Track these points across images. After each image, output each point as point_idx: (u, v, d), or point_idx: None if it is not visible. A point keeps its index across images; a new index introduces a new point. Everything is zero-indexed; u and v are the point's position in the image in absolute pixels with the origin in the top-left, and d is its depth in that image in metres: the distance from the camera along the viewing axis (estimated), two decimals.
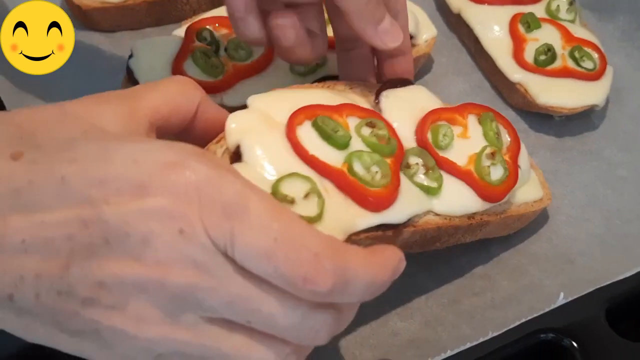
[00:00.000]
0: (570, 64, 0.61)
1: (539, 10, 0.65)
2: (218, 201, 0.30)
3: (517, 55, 0.61)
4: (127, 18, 0.65)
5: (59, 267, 0.30)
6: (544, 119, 0.61)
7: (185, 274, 0.30)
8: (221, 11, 0.61)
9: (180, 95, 0.40)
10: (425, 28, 0.63)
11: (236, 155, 0.41)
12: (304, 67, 0.58)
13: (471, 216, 0.46)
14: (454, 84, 0.64)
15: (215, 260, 0.30)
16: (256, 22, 0.45)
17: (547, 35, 0.62)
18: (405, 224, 0.43)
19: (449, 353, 0.45)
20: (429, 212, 0.45)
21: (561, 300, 0.47)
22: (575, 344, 0.45)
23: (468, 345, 0.45)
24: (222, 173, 0.31)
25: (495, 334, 0.45)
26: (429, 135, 0.46)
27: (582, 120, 0.61)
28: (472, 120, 0.49)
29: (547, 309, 0.47)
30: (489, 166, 0.46)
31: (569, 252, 0.53)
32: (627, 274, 0.49)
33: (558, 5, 0.65)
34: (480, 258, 0.53)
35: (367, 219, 0.41)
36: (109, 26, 0.65)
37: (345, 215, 0.40)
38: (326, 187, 0.40)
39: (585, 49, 0.61)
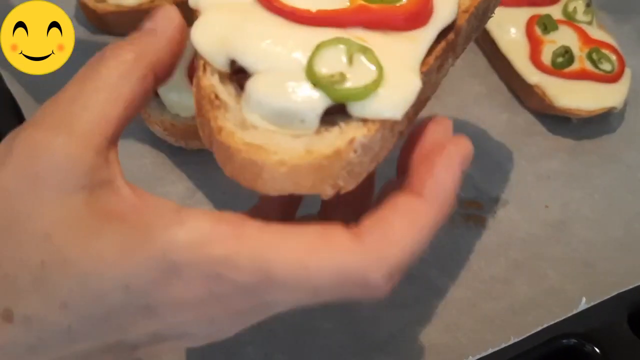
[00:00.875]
0: (588, 65, 0.60)
1: (555, 12, 0.64)
2: (234, 288, 0.28)
3: (534, 57, 0.61)
4: (141, 21, 0.65)
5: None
6: (561, 122, 0.61)
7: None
8: None
9: (124, 80, 0.32)
10: None
11: (236, 71, 0.32)
12: None
13: None
14: (470, 86, 0.64)
15: None
16: None
17: (564, 37, 0.62)
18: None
19: (470, 359, 0.45)
20: None
21: (583, 305, 0.46)
22: (597, 350, 0.45)
23: (490, 350, 0.45)
24: (226, 253, 0.27)
25: (517, 339, 0.45)
26: None
27: (600, 122, 0.61)
28: None
29: (568, 314, 0.46)
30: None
31: (589, 256, 0.53)
32: None
33: (575, 7, 0.64)
34: (499, 262, 0.52)
35: (423, 37, 0.33)
36: (124, 30, 0.65)
37: (400, 52, 0.32)
38: (357, 36, 0.32)
39: (603, 50, 0.61)
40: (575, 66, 0.60)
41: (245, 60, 0.31)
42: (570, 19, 0.64)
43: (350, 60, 0.30)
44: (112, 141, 0.31)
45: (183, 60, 0.57)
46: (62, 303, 0.28)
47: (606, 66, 0.60)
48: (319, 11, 0.32)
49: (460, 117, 0.61)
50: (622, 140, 0.61)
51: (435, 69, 0.34)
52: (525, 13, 0.64)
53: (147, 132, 0.57)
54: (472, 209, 0.55)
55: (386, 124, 0.30)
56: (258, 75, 0.30)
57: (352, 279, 0.28)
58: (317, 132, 0.30)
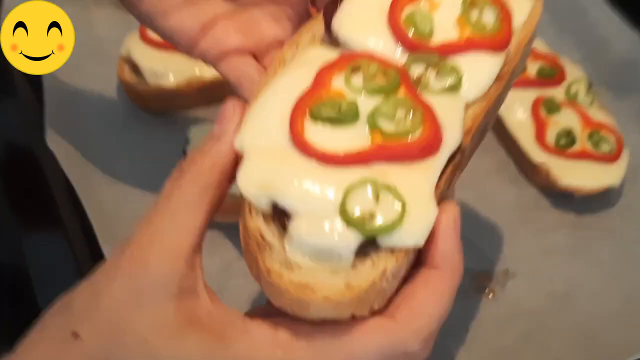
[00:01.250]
0: (589, 147, 0.66)
1: (559, 93, 0.70)
2: None
3: (539, 138, 0.67)
4: (179, 100, 0.71)
5: None
6: (564, 198, 0.66)
7: None
8: None
9: (203, 191, 0.36)
10: None
11: (278, 212, 0.35)
12: None
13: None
14: (480, 162, 0.69)
15: None
16: None
17: (567, 118, 0.68)
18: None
19: None
20: (467, 106, 0.39)
21: None
22: None
23: None
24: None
25: None
26: (410, 33, 0.40)
27: (601, 199, 0.66)
28: None
29: None
30: (479, 16, 0.41)
31: (590, 328, 0.57)
32: None
33: (577, 90, 0.70)
34: (508, 333, 0.57)
35: (435, 165, 0.36)
36: (163, 108, 0.72)
37: (417, 181, 0.35)
38: (380, 172, 0.35)
39: (602, 133, 0.66)
40: (577, 147, 0.66)
41: (285, 202, 0.34)
42: (572, 101, 0.69)
43: (376, 197, 0.34)
44: (198, 249, 0.36)
45: None
46: None
47: (605, 147, 0.66)
48: (346, 154, 0.35)
49: (471, 191, 0.66)
50: (621, 216, 0.66)
51: (445, 189, 0.38)
52: (531, 94, 0.70)
53: None
54: (483, 281, 0.60)
55: (410, 250, 0.35)
56: (299, 218, 0.34)
57: (394, 354, 0.34)
58: (353, 265, 0.34)
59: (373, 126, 0.36)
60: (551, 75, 0.70)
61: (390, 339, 0.34)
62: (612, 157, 0.65)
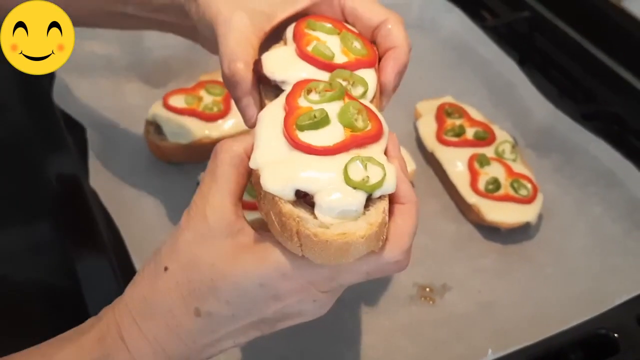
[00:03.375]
0: (511, 191, 0.84)
1: (489, 151, 0.88)
2: (320, 277, 0.47)
3: (473, 185, 0.85)
4: (192, 154, 0.89)
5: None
6: (493, 231, 0.83)
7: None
8: None
9: (239, 164, 0.51)
10: (407, 163, 0.87)
11: (299, 196, 0.46)
12: None
13: None
14: (429, 204, 0.87)
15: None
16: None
17: (495, 170, 0.86)
18: None
19: None
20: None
21: (490, 355, 0.67)
22: None
23: None
24: (309, 263, 0.46)
25: None
26: (320, 58, 0.54)
27: (521, 232, 0.83)
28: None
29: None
30: (354, 45, 0.55)
31: (506, 329, 0.73)
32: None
33: (503, 149, 0.89)
34: (443, 329, 0.73)
35: (383, 141, 0.50)
36: (179, 160, 0.89)
37: (379, 153, 0.49)
38: (356, 152, 0.48)
39: (522, 181, 0.85)
40: (501, 191, 0.84)
41: (306, 187, 0.46)
42: (500, 157, 0.88)
43: (365, 166, 0.47)
44: (238, 203, 0.50)
45: None
46: (226, 301, 0.48)
47: (524, 192, 0.84)
48: (334, 145, 0.48)
49: (422, 226, 0.81)
50: (537, 245, 0.82)
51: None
52: (468, 152, 0.88)
53: None
54: (426, 292, 0.77)
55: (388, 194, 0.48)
56: (319, 194, 0.45)
57: (387, 264, 0.48)
58: (363, 213, 0.46)
59: (344, 124, 0.49)
60: (484, 138, 0.89)
61: (384, 255, 0.47)
62: (529, 200, 0.83)
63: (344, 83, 0.52)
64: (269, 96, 0.54)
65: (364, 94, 0.53)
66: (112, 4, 0.64)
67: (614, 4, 1.12)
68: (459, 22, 1.08)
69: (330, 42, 0.56)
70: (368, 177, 0.46)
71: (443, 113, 0.93)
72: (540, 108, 0.95)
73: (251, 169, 0.49)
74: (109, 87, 0.95)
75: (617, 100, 1.02)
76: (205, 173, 0.51)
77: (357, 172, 0.46)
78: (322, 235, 0.44)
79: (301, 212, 0.46)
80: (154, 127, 0.89)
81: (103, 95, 0.95)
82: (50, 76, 0.91)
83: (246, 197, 0.78)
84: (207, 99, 0.91)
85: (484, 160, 0.87)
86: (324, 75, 0.53)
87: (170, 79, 0.98)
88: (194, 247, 0.49)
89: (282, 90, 0.53)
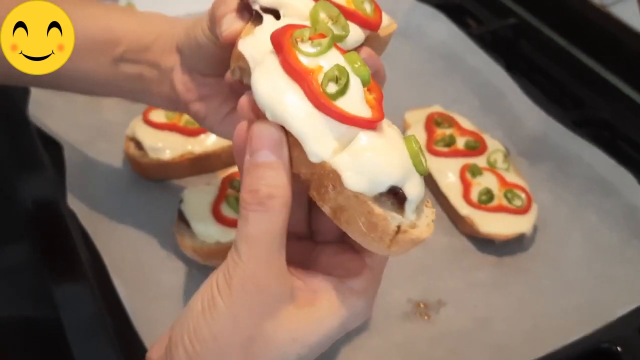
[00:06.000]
0: (505, 202, 0.82)
1: (481, 161, 0.86)
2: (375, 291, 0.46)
3: (466, 196, 0.82)
4: (174, 170, 0.86)
5: None
6: (487, 243, 0.81)
7: None
8: None
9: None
10: None
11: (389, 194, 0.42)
12: None
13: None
14: None
15: None
16: None
17: (487, 180, 0.84)
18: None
19: None
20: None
21: None
22: None
23: None
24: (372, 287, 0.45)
25: None
26: None
27: (516, 244, 0.81)
28: None
29: None
30: (362, 1, 0.50)
31: (503, 345, 0.71)
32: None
33: (495, 158, 0.86)
34: (439, 346, 0.71)
35: None
36: (161, 177, 0.86)
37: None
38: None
39: (515, 191, 0.82)
40: (495, 202, 0.82)
41: (398, 181, 0.41)
42: (492, 167, 0.86)
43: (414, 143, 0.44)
44: (286, 272, 0.43)
45: (209, 200, 0.78)
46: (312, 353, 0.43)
47: (517, 202, 0.82)
48: (378, 112, 0.42)
49: None
50: (532, 257, 0.80)
51: None
52: (459, 162, 0.86)
53: (180, 254, 0.77)
54: (421, 308, 0.75)
55: None
56: (407, 186, 0.41)
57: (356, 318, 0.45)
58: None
59: (361, 79, 0.43)
60: (475, 147, 0.87)
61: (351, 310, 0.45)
62: (523, 210, 0.81)
63: (327, 18, 0.47)
64: (253, 24, 0.49)
65: (340, 38, 0.47)
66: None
67: (600, 9, 1.11)
68: (446, 29, 1.06)
69: None
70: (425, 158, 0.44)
71: (432, 123, 0.90)
72: (531, 116, 0.94)
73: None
74: (86, 102, 0.92)
75: (606, 105, 1.01)
76: (240, 227, 0.42)
77: (419, 154, 0.43)
78: (418, 233, 0.42)
79: (390, 210, 0.42)
80: (135, 143, 0.86)
81: (80, 111, 0.91)
82: (25, 91, 0.87)
83: (228, 212, 0.76)
84: None
85: (475, 171, 0.84)
86: (309, 4, 0.47)
87: None
88: (264, 328, 0.42)
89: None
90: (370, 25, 0.51)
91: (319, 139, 0.41)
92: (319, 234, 0.50)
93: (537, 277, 0.78)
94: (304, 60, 0.43)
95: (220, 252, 0.75)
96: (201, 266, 0.76)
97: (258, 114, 0.44)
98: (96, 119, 0.92)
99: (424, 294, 0.76)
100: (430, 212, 0.44)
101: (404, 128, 0.93)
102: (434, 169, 0.86)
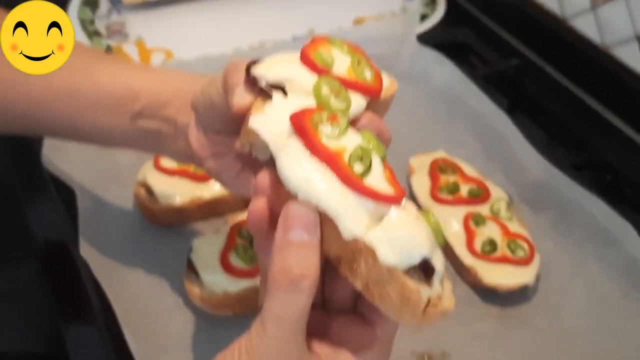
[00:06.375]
0: (508, 252, 0.83)
1: (485, 209, 0.88)
2: None
3: (469, 246, 0.84)
4: (183, 216, 0.88)
5: None
6: (491, 293, 0.82)
7: None
8: None
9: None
10: None
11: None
12: None
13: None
14: None
15: None
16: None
17: (491, 230, 0.85)
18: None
19: None
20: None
21: None
22: None
23: None
24: None
25: None
26: (318, 63, 0.51)
27: (519, 294, 0.82)
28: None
29: None
30: (363, 70, 0.52)
31: None
32: None
33: (499, 207, 0.88)
34: None
35: None
36: (171, 222, 0.88)
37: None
38: None
39: (518, 241, 0.84)
40: (498, 253, 0.83)
41: (428, 253, 0.44)
42: (495, 215, 0.87)
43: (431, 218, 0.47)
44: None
45: (218, 249, 0.79)
46: None
47: (520, 253, 0.83)
48: (399, 189, 0.46)
49: None
50: (535, 308, 0.81)
51: None
52: (463, 210, 0.87)
53: (189, 303, 0.78)
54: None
55: None
56: (434, 258, 0.44)
57: None
58: None
59: (381, 156, 0.47)
60: (479, 195, 0.89)
61: None
62: (526, 261, 0.82)
63: (329, 93, 0.49)
64: (262, 99, 0.51)
65: (343, 111, 0.49)
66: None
67: (604, 51, 1.13)
68: (450, 73, 1.08)
69: (341, 58, 0.52)
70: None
71: (436, 169, 0.92)
72: (534, 163, 0.95)
73: None
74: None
75: (609, 147, 1.03)
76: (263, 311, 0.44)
77: (439, 228, 0.46)
78: (446, 304, 0.44)
79: (421, 283, 0.43)
80: (145, 189, 0.88)
81: (93, 155, 0.93)
82: (40, 137, 0.89)
83: (236, 262, 0.78)
84: None
85: (479, 220, 0.86)
86: (312, 80, 0.50)
87: None
88: None
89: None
90: (371, 93, 0.53)
91: (352, 217, 0.43)
92: (331, 302, 0.51)
93: (540, 329, 0.80)
94: (326, 142, 0.45)
95: (229, 302, 0.76)
96: (210, 316, 0.77)
97: (279, 193, 0.46)
98: (108, 162, 0.94)
99: (428, 345, 0.77)
100: (448, 282, 0.46)
101: (408, 173, 0.95)
102: (438, 217, 0.87)
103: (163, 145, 0.67)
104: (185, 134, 0.64)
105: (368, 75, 0.53)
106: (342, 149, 0.45)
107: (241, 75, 0.53)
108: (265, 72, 0.51)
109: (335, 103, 0.49)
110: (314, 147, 0.45)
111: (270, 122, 0.49)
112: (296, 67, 0.51)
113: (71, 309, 0.74)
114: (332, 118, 0.47)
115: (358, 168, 0.44)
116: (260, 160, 0.50)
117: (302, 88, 0.50)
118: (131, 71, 0.67)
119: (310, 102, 0.49)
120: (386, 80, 0.55)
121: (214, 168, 0.64)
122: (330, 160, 0.44)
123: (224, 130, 0.61)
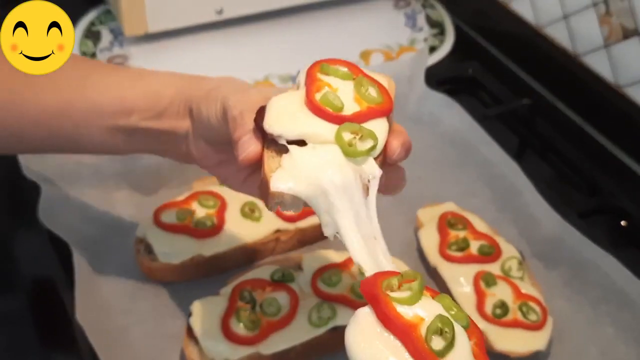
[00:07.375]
0: (519, 316, 0.80)
1: (495, 268, 0.84)
2: None
3: (480, 309, 0.80)
4: (182, 274, 0.85)
5: None
6: (501, 358, 0.79)
7: None
8: (256, 273, 0.81)
9: None
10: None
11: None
12: (318, 319, 0.77)
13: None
14: None
15: None
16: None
17: (502, 291, 0.82)
18: None
19: None
20: None
21: None
22: None
23: None
24: None
25: None
26: (328, 109, 0.52)
27: (532, 358, 0.79)
28: None
29: None
30: (368, 92, 0.54)
31: None
32: None
33: (510, 266, 0.85)
34: None
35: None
36: (171, 279, 0.85)
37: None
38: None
39: (530, 304, 0.80)
40: (509, 316, 0.80)
41: None
42: (506, 275, 0.84)
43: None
44: None
45: (219, 313, 0.76)
46: None
47: (533, 317, 0.80)
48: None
49: None
50: None
51: None
52: (473, 269, 0.84)
53: None
54: None
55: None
56: None
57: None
58: None
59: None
60: (490, 253, 0.85)
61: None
62: (538, 326, 0.79)
63: (352, 136, 0.51)
64: (271, 148, 0.53)
65: (372, 148, 0.51)
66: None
67: (617, 90, 1.10)
68: (459, 117, 1.04)
69: (344, 89, 0.54)
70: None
71: (445, 224, 0.89)
72: (546, 217, 0.92)
73: None
74: (98, 196, 0.91)
75: (623, 191, 1.00)
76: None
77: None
78: None
79: None
80: (144, 245, 0.85)
81: (91, 205, 0.90)
82: (36, 190, 0.87)
83: (237, 328, 0.75)
84: (200, 212, 0.87)
85: (490, 280, 0.83)
86: (330, 128, 0.51)
87: (161, 185, 0.94)
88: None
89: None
90: (385, 111, 0.54)
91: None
92: None
93: None
94: (401, 310, 0.42)
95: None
96: None
97: None
98: (106, 214, 0.91)
99: None
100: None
101: (416, 226, 0.92)
102: (447, 276, 0.85)
103: (164, 151, 0.68)
104: (186, 138, 0.64)
105: (374, 93, 0.54)
106: (419, 320, 0.41)
107: (246, 128, 0.54)
108: (279, 127, 0.52)
109: (361, 145, 0.51)
110: (385, 317, 0.41)
111: (295, 176, 0.49)
112: (310, 120, 0.52)
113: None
114: (405, 281, 0.44)
115: (437, 343, 0.40)
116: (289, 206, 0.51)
117: (322, 139, 0.51)
118: (123, 83, 0.66)
119: (331, 148, 0.51)
120: (384, 82, 0.57)
121: (221, 175, 0.66)
122: (404, 334, 0.40)
123: (227, 142, 0.60)
